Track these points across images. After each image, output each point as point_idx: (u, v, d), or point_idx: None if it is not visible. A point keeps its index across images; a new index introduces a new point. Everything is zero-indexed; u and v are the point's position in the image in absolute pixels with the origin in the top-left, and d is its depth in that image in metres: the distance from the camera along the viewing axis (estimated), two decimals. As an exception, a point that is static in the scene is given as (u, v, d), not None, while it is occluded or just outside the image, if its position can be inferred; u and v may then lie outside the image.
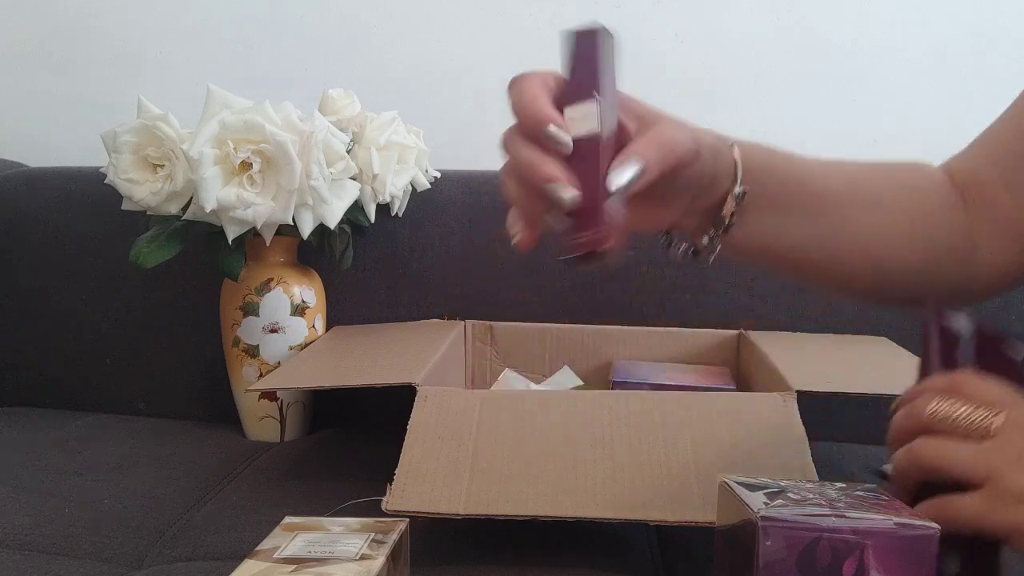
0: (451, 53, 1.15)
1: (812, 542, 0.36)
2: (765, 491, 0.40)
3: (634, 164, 0.42)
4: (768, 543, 0.36)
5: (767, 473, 0.58)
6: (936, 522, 0.36)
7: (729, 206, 0.49)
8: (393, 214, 0.97)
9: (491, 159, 1.11)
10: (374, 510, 0.58)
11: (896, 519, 0.36)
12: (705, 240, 0.51)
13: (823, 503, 0.38)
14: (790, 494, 0.39)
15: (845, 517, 0.36)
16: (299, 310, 0.89)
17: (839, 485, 0.42)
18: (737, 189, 0.48)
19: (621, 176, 0.42)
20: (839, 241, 0.53)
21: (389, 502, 0.57)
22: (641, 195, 0.44)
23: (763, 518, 0.36)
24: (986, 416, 0.39)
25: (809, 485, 0.41)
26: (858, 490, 0.41)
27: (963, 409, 0.40)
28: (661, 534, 0.67)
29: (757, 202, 0.49)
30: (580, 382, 0.91)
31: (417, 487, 0.59)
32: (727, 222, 0.49)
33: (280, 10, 1.16)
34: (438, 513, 0.57)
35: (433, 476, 0.60)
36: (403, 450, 0.62)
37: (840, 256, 0.53)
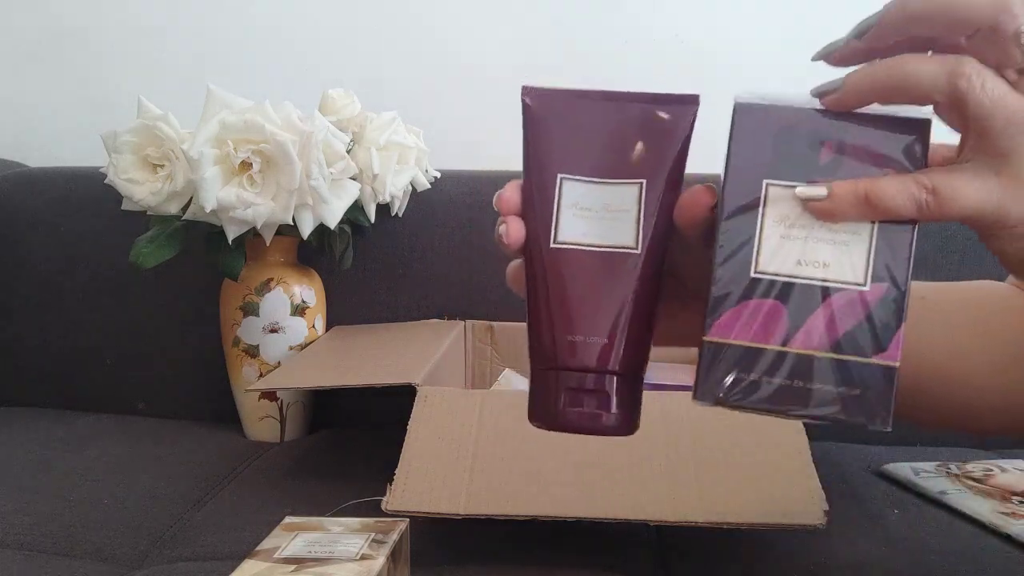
0: (451, 53, 1.15)
1: (791, 123, 0.34)
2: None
3: None
4: (740, 123, 0.34)
5: (767, 475, 0.58)
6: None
7: None
8: (393, 214, 0.97)
9: (491, 159, 1.12)
10: (374, 510, 0.58)
11: (889, 109, 0.33)
12: None
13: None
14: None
15: (829, 112, 0.34)
16: (299, 310, 0.89)
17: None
18: None
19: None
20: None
21: (389, 502, 0.57)
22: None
23: (739, 97, 0.35)
24: None
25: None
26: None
27: None
28: (661, 534, 0.67)
29: None
30: None
31: (417, 487, 0.59)
32: None
33: (280, 10, 1.16)
34: (438, 513, 0.57)
35: (433, 476, 0.60)
36: (403, 450, 0.62)
37: (918, 385, 0.46)
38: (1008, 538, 0.62)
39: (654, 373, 0.86)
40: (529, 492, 0.58)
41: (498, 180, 1.13)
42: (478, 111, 1.14)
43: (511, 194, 0.39)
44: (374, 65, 1.15)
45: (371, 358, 0.82)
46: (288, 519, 0.54)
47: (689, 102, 0.39)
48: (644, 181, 0.37)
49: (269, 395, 0.89)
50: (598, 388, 0.36)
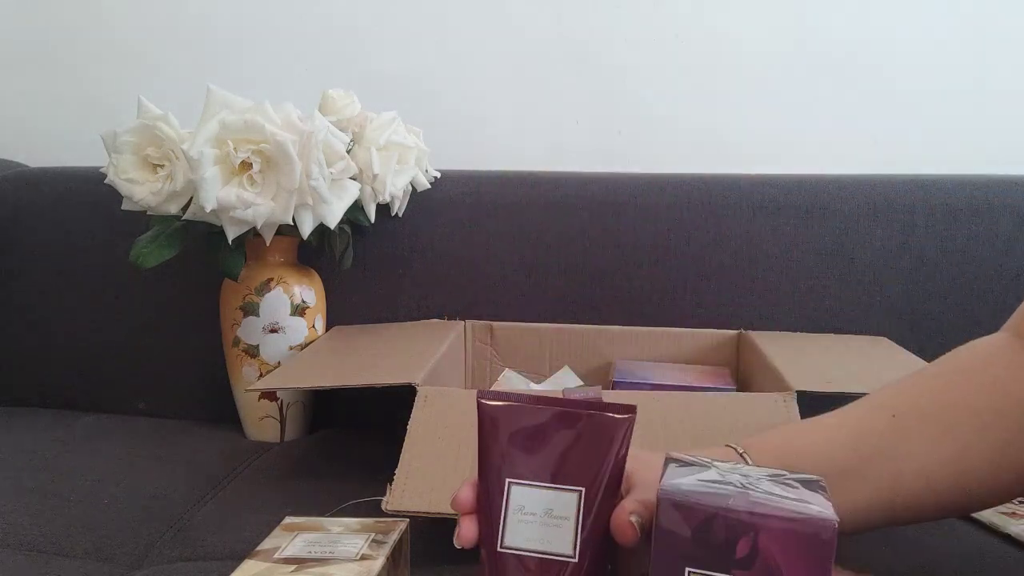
0: (451, 53, 1.15)
1: (708, 518, 0.36)
2: (694, 467, 0.39)
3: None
4: (663, 515, 0.36)
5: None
6: None
7: None
8: (393, 214, 0.97)
9: (491, 159, 1.11)
10: (374, 510, 0.58)
11: (799, 508, 0.35)
12: None
13: (739, 485, 0.37)
14: (716, 473, 0.38)
15: (750, 498, 0.36)
16: (299, 310, 0.89)
17: (789, 475, 0.39)
18: None
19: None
20: (877, 495, 0.47)
21: (389, 502, 0.57)
22: None
23: (663, 490, 0.36)
24: None
25: (751, 469, 0.39)
26: (802, 477, 0.38)
27: None
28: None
29: None
30: (580, 382, 0.91)
31: (417, 487, 0.59)
32: None
33: (279, 10, 1.16)
34: (438, 513, 0.57)
35: (433, 476, 0.60)
36: (403, 450, 0.62)
37: (916, 505, 0.47)
38: (1008, 538, 0.62)
39: (654, 373, 0.86)
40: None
41: (498, 180, 1.13)
42: (478, 111, 1.15)
43: (465, 495, 0.43)
44: (374, 65, 1.15)
45: (371, 358, 0.82)
46: (288, 519, 0.54)
47: (626, 412, 0.42)
48: (583, 489, 0.40)
49: (269, 395, 0.89)
50: None
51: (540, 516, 0.40)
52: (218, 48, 1.18)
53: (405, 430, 0.64)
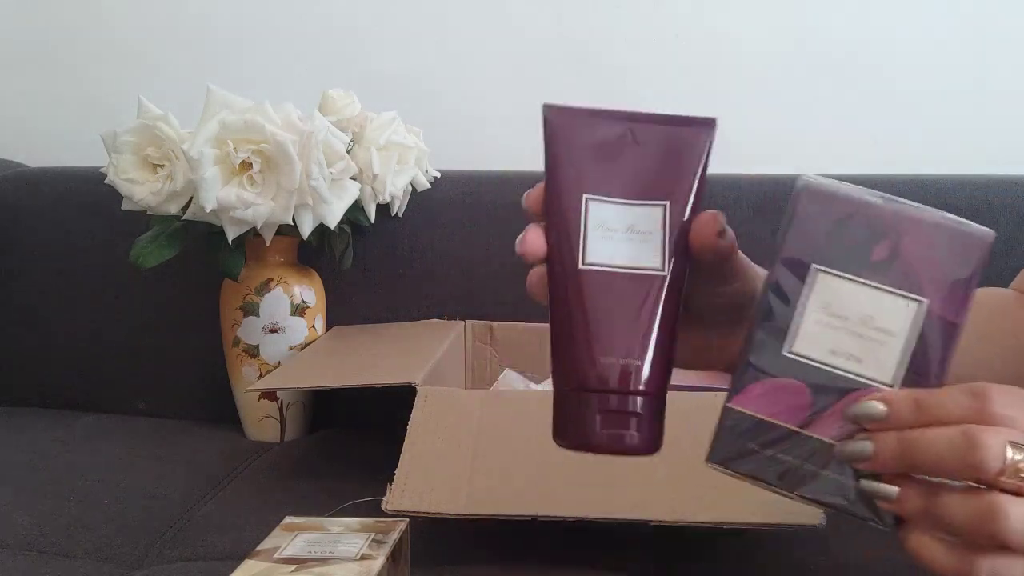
0: (451, 53, 1.15)
1: (849, 214, 0.34)
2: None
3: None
4: (801, 204, 0.35)
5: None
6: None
7: None
8: (393, 214, 0.97)
9: (491, 159, 1.11)
10: (374, 510, 0.58)
11: (953, 218, 0.33)
12: None
13: (887, 198, 0.35)
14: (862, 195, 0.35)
15: (898, 203, 0.34)
16: (299, 310, 0.89)
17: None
18: None
19: None
20: None
21: (389, 502, 0.57)
22: (695, 324, 0.40)
23: (803, 178, 0.35)
24: None
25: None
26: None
27: None
28: (661, 534, 0.67)
29: None
30: None
31: (417, 487, 0.59)
32: None
33: (279, 10, 1.16)
34: (438, 513, 0.57)
35: (433, 476, 0.60)
36: (403, 450, 0.62)
37: None
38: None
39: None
40: (529, 492, 0.58)
41: (498, 180, 1.13)
42: (478, 111, 1.14)
43: (535, 197, 0.39)
44: (374, 65, 1.15)
45: (371, 358, 0.82)
46: (288, 519, 0.54)
47: (707, 124, 0.39)
48: (667, 203, 0.38)
49: (269, 395, 0.89)
50: (631, 409, 0.36)
51: (623, 232, 0.37)
52: (218, 48, 1.18)
53: (405, 430, 0.64)
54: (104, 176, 0.84)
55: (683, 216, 0.38)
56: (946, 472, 0.30)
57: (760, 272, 0.40)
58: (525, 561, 0.59)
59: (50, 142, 1.20)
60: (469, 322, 0.96)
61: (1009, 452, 0.29)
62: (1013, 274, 0.91)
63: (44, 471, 0.77)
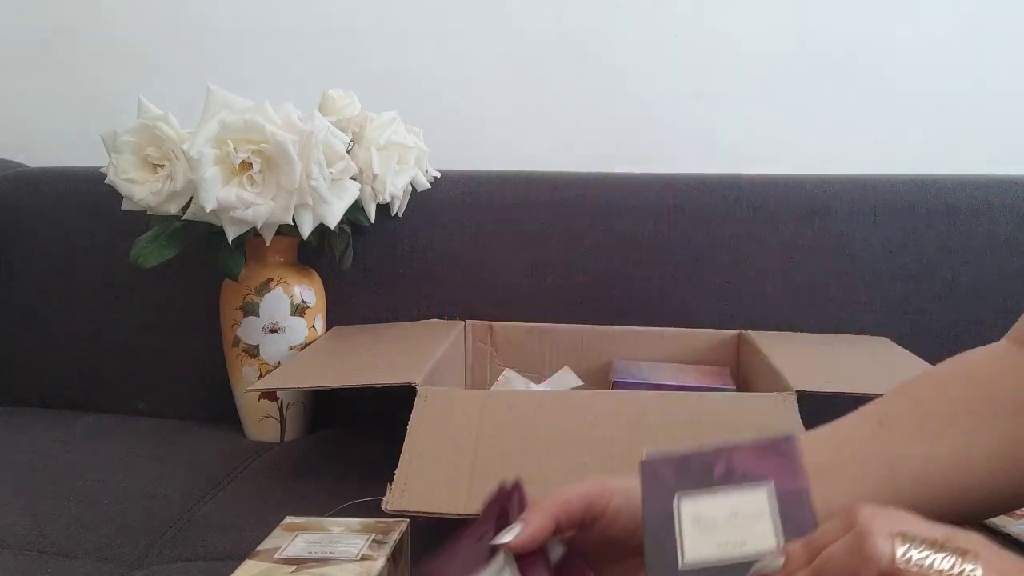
0: (451, 53, 1.15)
1: (685, 458, 0.41)
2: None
3: (514, 527, 0.42)
4: (647, 470, 0.41)
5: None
6: None
7: None
8: (393, 214, 0.97)
9: (491, 159, 1.11)
10: (374, 510, 0.58)
11: (761, 438, 0.41)
12: None
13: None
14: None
15: (716, 444, 0.41)
16: (299, 310, 0.89)
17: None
18: None
19: (501, 537, 0.41)
20: (897, 493, 0.46)
21: (389, 502, 0.57)
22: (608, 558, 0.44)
23: (647, 457, 0.42)
24: (967, 568, 0.31)
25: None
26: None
27: (943, 556, 0.31)
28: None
29: None
30: (580, 382, 0.91)
31: (417, 487, 0.59)
32: None
33: (279, 10, 1.16)
34: (438, 513, 0.57)
35: (433, 476, 0.60)
36: (403, 450, 0.62)
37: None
38: (1008, 538, 0.62)
39: (654, 373, 0.86)
40: (529, 492, 0.58)
41: (498, 180, 1.13)
42: (478, 111, 1.15)
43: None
44: (374, 65, 1.15)
45: (371, 358, 0.82)
46: (288, 519, 0.54)
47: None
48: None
49: (269, 395, 0.89)
50: None
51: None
52: (218, 48, 1.18)
53: (405, 430, 0.64)
54: (104, 176, 0.84)
55: None
56: (852, 571, 0.32)
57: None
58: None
59: (50, 142, 1.20)
60: (469, 322, 0.96)
61: (900, 547, 0.31)
62: (1013, 273, 0.91)
63: (44, 471, 0.77)
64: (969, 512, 0.49)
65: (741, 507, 0.39)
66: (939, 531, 0.31)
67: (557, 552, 0.43)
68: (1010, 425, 0.47)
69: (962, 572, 0.30)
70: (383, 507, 0.57)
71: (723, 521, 0.38)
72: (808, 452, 0.44)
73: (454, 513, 0.56)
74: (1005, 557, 0.31)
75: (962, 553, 0.31)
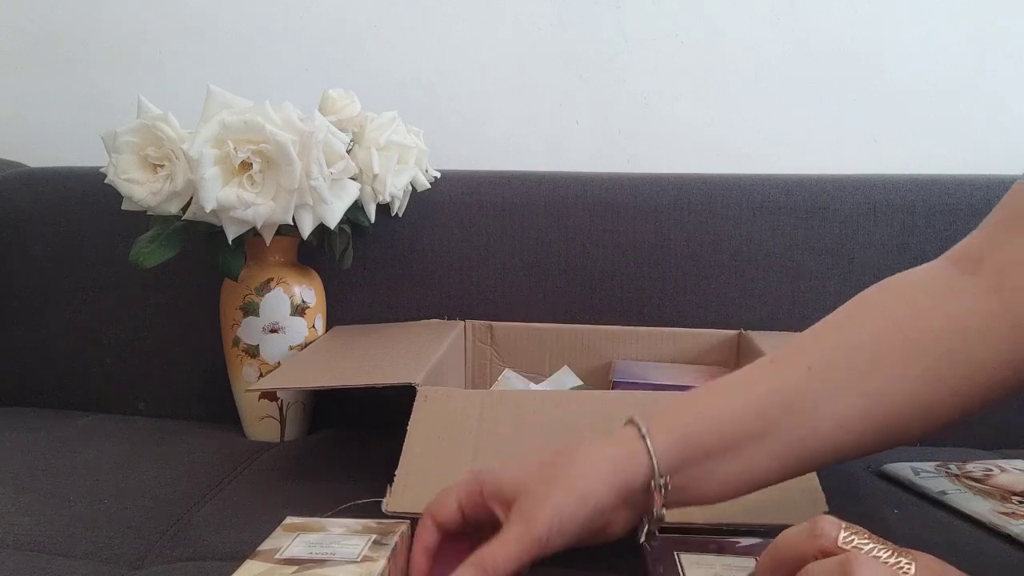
0: (451, 53, 1.15)
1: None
2: None
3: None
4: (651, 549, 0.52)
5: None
6: None
7: (658, 500, 0.46)
8: (393, 214, 0.97)
9: (491, 159, 1.11)
10: (374, 510, 0.58)
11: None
12: (654, 520, 0.48)
13: None
14: None
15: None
16: (299, 310, 0.89)
17: None
18: (660, 477, 0.46)
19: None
20: (814, 446, 0.47)
21: (389, 503, 0.57)
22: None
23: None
24: (903, 561, 0.34)
25: None
26: None
27: (881, 548, 0.34)
28: (661, 534, 0.67)
29: (696, 460, 0.47)
30: (580, 382, 0.91)
31: (417, 487, 0.59)
32: (661, 513, 0.47)
33: (280, 10, 1.16)
34: (438, 513, 0.57)
35: (433, 476, 0.60)
36: (403, 450, 0.62)
37: (823, 455, 0.48)
38: (1008, 538, 0.62)
39: (654, 373, 0.86)
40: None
41: (498, 180, 1.12)
42: (478, 111, 1.15)
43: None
44: (374, 65, 1.15)
45: (371, 358, 0.82)
46: (289, 519, 0.54)
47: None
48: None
49: (269, 395, 0.89)
50: None
51: None
52: (218, 48, 1.18)
53: (405, 430, 0.64)
54: (104, 176, 0.84)
55: None
56: (800, 550, 0.36)
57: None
58: (525, 561, 0.59)
59: (50, 142, 1.20)
60: (469, 322, 0.96)
61: (844, 532, 0.35)
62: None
63: (44, 471, 0.77)
64: (889, 446, 0.49)
65: (733, 562, 0.48)
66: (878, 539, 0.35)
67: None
68: (930, 360, 0.46)
69: (898, 563, 0.33)
70: (383, 508, 0.57)
71: (718, 565, 0.48)
72: (734, 417, 0.47)
73: (454, 513, 0.56)
74: (942, 564, 0.35)
75: (901, 552, 0.34)
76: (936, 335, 0.47)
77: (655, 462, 0.46)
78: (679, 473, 0.46)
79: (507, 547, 0.44)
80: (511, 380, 0.91)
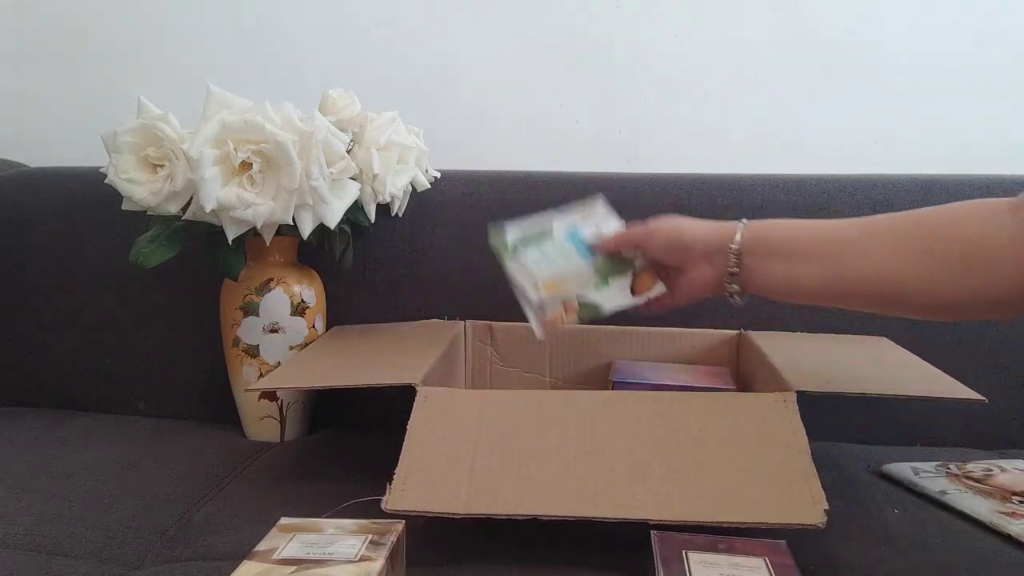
0: (451, 53, 1.15)
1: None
2: None
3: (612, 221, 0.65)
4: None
5: (767, 475, 0.58)
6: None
7: (731, 260, 0.68)
8: (393, 214, 0.97)
9: (491, 159, 1.11)
10: (374, 510, 0.58)
11: None
12: (735, 289, 0.69)
13: None
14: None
15: None
16: (299, 310, 0.89)
17: None
18: (733, 246, 0.68)
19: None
20: (847, 283, 0.63)
21: (389, 502, 0.57)
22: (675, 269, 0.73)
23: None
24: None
25: None
26: None
27: None
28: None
29: (761, 253, 0.67)
30: (614, 212, 0.85)
31: (417, 487, 0.59)
32: (735, 272, 0.68)
33: (280, 10, 1.16)
34: (437, 513, 0.57)
35: (433, 476, 0.60)
36: (403, 450, 0.62)
37: (854, 294, 0.63)
38: (1008, 538, 0.62)
39: (654, 373, 0.86)
40: (529, 492, 0.58)
41: (498, 180, 1.12)
42: (478, 111, 1.15)
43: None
44: (374, 65, 1.15)
45: (371, 358, 0.82)
46: (284, 520, 0.54)
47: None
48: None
49: (269, 395, 0.89)
50: None
51: None
52: (218, 48, 1.18)
53: (405, 430, 0.64)
54: (104, 176, 0.84)
55: None
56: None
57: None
58: (524, 561, 0.59)
59: (50, 142, 1.20)
60: (469, 322, 0.96)
61: None
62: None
63: (44, 471, 0.77)
64: (902, 311, 0.63)
65: (740, 561, 0.51)
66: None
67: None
68: (940, 262, 0.58)
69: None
70: (383, 507, 0.57)
71: (725, 564, 0.50)
72: (806, 237, 0.66)
73: (453, 513, 0.56)
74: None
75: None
76: (967, 239, 0.57)
77: (739, 235, 0.68)
78: (750, 255, 0.67)
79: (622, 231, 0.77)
80: (598, 207, 0.86)
